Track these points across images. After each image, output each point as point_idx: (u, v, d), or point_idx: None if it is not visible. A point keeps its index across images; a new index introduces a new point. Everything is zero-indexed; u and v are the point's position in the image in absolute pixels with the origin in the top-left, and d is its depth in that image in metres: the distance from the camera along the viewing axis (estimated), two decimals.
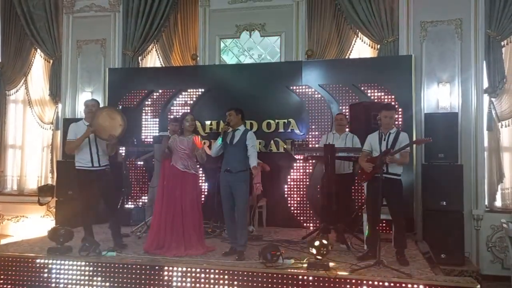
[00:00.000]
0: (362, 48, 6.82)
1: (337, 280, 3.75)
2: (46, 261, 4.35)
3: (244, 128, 4.69)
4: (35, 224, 7.55)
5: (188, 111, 6.72)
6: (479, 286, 3.50)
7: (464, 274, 5.29)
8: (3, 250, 4.74)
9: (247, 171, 4.62)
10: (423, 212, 5.74)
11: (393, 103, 6.12)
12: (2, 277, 4.43)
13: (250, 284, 3.92)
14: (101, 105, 6.26)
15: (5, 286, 4.41)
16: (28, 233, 7.07)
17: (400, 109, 6.12)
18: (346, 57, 6.74)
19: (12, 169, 8.07)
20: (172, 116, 6.64)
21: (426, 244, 5.32)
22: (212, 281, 4.00)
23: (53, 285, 4.30)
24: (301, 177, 6.41)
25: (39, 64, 7.99)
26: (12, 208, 7.73)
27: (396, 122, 6.04)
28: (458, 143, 5.82)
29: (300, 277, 3.84)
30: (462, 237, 5.56)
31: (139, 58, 7.48)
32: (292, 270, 3.94)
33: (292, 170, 6.45)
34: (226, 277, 3.98)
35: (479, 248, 6.07)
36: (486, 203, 6.20)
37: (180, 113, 5.83)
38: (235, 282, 3.95)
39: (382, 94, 6.23)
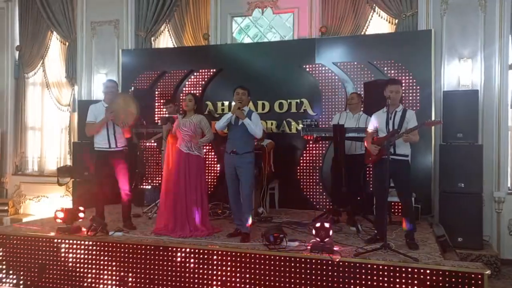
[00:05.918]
0: (379, 23, 6.51)
1: (340, 263, 3.65)
2: (55, 240, 4.45)
3: (248, 109, 4.60)
4: (55, 203, 7.73)
5: (200, 91, 6.66)
6: (488, 271, 3.33)
7: (482, 258, 5.11)
8: (15, 229, 4.87)
9: (253, 152, 4.60)
10: (440, 194, 5.51)
11: (411, 81, 5.87)
12: (14, 255, 4.56)
13: (252, 265, 3.88)
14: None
15: (16, 263, 4.55)
16: (48, 212, 7.26)
17: (418, 87, 5.86)
18: (362, 33, 6.46)
19: (32, 151, 8.29)
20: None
21: (441, 227, 5.12)
22: (215, 262, 3.99)
23: (62, 263, 4.40)
24: (314, 158, 6.27)
25: (55, 47, 8.08)
26: (33, 188, 7.98)
27: (414, 101, 5.83)
28: (479, 122, 5.55)
29: (303, 260, 3.76)
30: (480, 221, 5.32)
31: (152, 39, 7.44)
32: (295, 253, 3.86)
33: (304, 151, 6.32)
34: (229, 258, 3.96)
35: (500, 232, 5.82)
36: (509, 185, 5.91)
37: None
38: (238, 264, 3.93)
39: (399, 71, 5.94)
